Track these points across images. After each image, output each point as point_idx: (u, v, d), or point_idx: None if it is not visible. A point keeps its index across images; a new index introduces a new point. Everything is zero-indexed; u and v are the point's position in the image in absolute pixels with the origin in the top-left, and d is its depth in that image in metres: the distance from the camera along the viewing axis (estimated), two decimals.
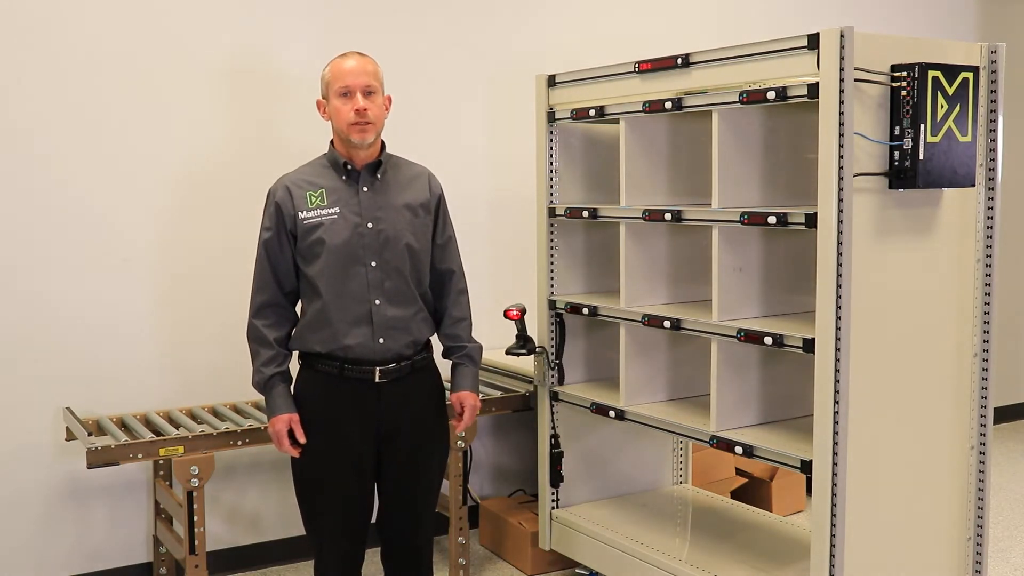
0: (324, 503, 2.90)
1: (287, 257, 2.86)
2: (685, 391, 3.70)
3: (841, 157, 2.73)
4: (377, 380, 2.85)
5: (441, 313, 3.04)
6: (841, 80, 2.70)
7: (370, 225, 2.83)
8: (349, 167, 2.86)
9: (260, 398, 3.90)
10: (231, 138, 3.99)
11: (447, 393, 3.13)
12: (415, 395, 2.94)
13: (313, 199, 2.83)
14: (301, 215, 2.82)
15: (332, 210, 2.82)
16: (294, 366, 2.95)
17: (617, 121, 3.53)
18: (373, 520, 3.00)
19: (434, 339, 3.04)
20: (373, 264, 2.83)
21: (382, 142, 2.92)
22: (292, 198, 2.83)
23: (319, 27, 4.12)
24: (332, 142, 2.92)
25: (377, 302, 2.83)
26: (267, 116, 4.05)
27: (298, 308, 2.96)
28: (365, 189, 2.86)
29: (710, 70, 3.13)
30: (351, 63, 2.83)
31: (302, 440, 2.86)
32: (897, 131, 2.82)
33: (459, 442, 3.86)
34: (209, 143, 3.95)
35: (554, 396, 3.86)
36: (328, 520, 2.91)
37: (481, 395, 4.03)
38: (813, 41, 2.77)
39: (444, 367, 3.09)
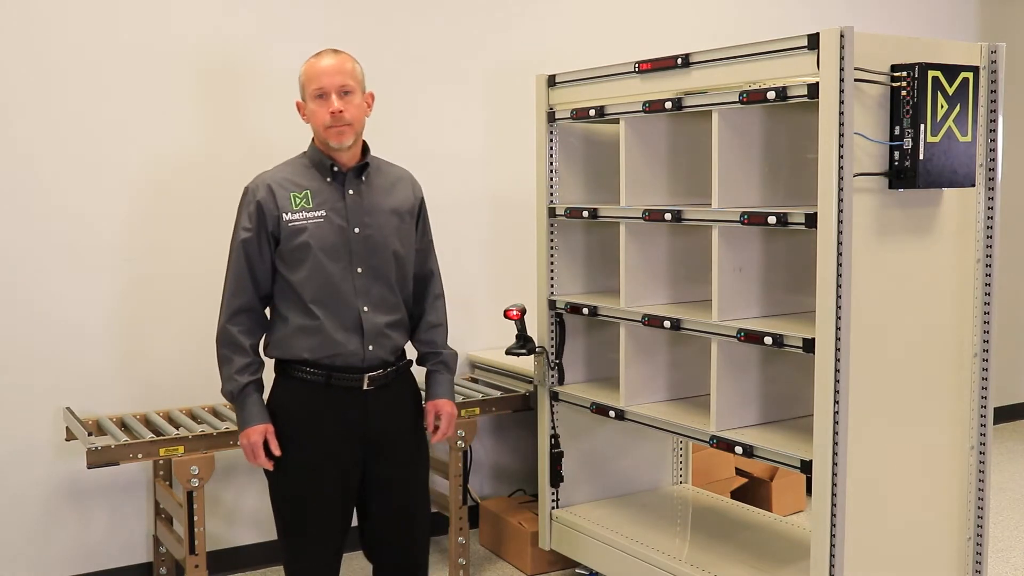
0: (306, 517, 2.77)
1: (266, 260, 2.72)
2: (685, 391, 3.70)
3: (841, 157, 2.73)
4: (365, 388, 2.75)
5: (417, 318, 2.94)
6: (841, 80, 2.69)
7: (357, 230, 2.73)
8: (335, 168, 2.74)
9: None
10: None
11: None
12: (399, 402, 2.85)
13: (297, 200, 2.70)
14: (286, 217, 2.69)
15: (318, 213, 2.70)
16: (268, 375, 2.83)
17: (617, 121, 3.52)
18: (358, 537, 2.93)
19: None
20: (360, 270, 2.73)
21: (364, 143, 2.81)
22: (275, 198, 2.69)
23: (318, 27, 4.11)
24: (313, 141, 2.79)
25: (365, 309, 2.73)
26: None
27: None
28: (351, 192, 2.75)
29: (710, 70, 3.12)
30: (325, 62, 2.70)
31: (277, 452, 2.72)
32: (897, 131, 2.81)
33: (459, 442, 3.87)
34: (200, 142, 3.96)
35: (554, 396, 3.86)
36: (308, 534, 2.78)
37: (481, 395, 4.04)
38: (813, 41, 2.76)
39: (418, 373, 2.98)
